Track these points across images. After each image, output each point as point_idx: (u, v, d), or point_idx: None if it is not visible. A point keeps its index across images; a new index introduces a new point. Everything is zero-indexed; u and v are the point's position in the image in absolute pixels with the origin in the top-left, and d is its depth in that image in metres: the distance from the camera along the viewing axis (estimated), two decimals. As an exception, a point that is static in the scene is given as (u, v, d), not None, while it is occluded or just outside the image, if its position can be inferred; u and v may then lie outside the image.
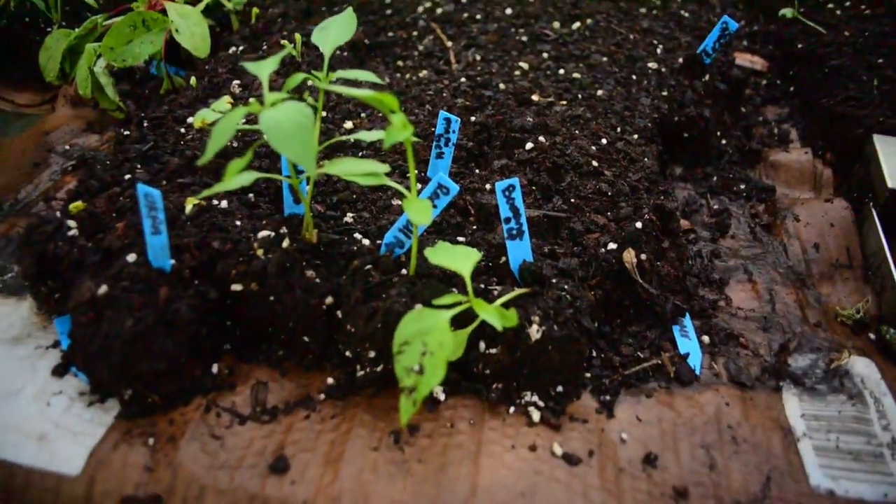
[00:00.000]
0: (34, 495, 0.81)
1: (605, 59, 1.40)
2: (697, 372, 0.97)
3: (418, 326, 0.76)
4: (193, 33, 1.42)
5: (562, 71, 1.36)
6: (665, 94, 1.34)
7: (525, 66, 1.37)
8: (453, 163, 1.12)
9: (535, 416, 0.88)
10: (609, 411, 0.91)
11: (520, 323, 0.86)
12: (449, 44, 1.45)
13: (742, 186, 1.33)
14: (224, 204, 1.01)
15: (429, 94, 1.26)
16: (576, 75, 1.34)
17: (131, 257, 0.91)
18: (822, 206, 1.23)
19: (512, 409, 0.89)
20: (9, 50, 1.59)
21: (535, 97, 1.26)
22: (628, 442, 0.87)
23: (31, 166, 1.33)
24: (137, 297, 0.86)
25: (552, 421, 0.88)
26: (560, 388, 0.91)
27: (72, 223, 0.99)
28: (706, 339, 1.03)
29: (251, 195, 1.05)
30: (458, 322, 0.84)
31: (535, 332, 0.86)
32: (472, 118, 1.19)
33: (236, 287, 0.92)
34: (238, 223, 0.97)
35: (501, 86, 1.29)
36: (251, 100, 0.79)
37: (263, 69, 0.82)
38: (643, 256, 1.01)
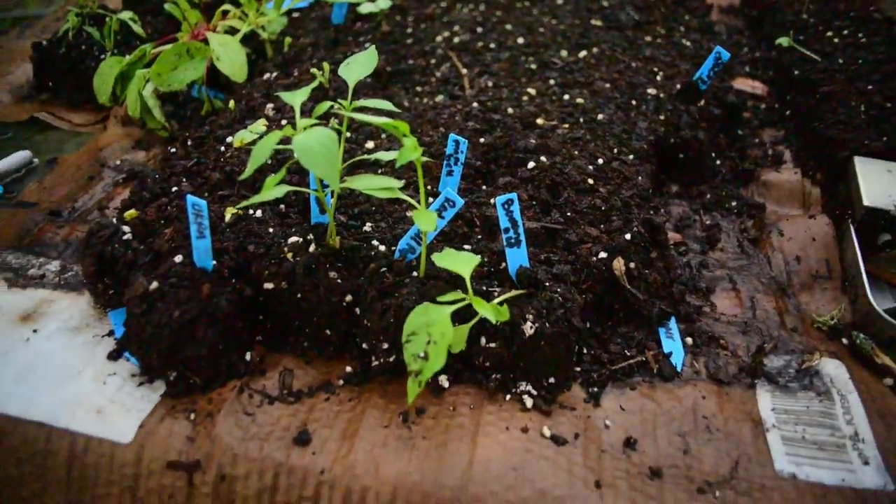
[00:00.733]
0: (92, 459, 0.95)
1: (607, 85, 1.52)
2: (679, 369, 1.08)
3: (424, 319, 0.88)
4: (232, 61, 1.57)
5: (566, 96, 1.48)
6: (662, 118, 1.45)
7: (533, 91, 1.49)
8: (463, 179, 1.24)
9: (529, 403, 0.99)
10: (596, 401, 1.01)
11: (515, 320, 0.98)
12: (464, 71, 1.58)
13: (734, 204, 1.44)
14: (259, 214, 1.14)
15: (443, 117, 1.39)
16: (579, 100, 1.46)
17: (178, 258, 1.04)
18: (805, 222, 1.33)
19: (508, 397, 1.00)
20: (67, 75, 1.76)
21: (539, 121, 1.38)
22: (611, 428, 0.98)
23: (86, 179, 1.48)
24: (183, 292, 1.00)
25: (543, 408, 0.99)
26: (552, 380, 1.02)
27: (126, 229, 1.13)
28: (689, 340, 1.13)
29: (282, 206, 1.18)
30: (461, 319, 0.96)
31: (528, 328, 0.97)
32: (482, 139, 1.32)
33: (268, 285, 1.05)
34: (271, 230, 1.10)
35: (510, 110, 1.42)
36: (284, 123, 0.93)
37: (296, 98, 0.96)
38: (632, 265, 1.12)
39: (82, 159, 1.54)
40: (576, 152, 1.28)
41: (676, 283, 1.20)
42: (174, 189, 1.20)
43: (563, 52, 1.66)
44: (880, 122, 1.47)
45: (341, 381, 1.03)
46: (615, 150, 1.31)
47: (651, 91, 1.52)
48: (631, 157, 1.31)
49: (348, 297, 1.03)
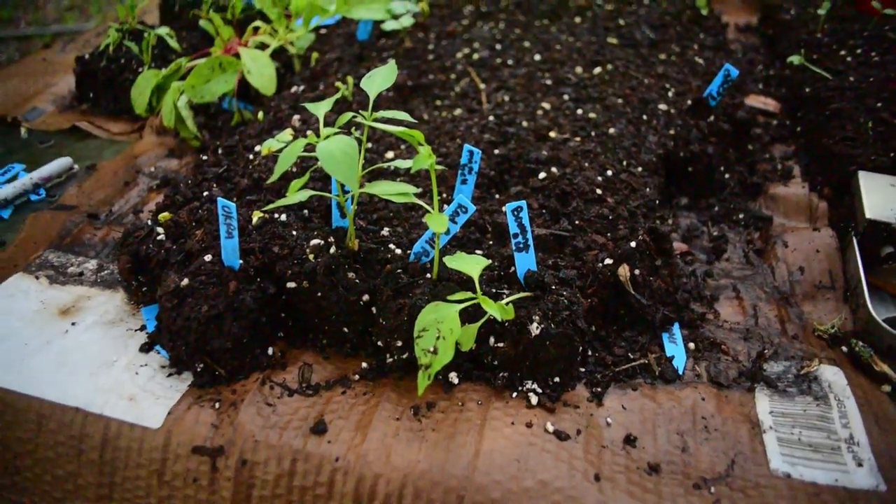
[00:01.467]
0: (124, 443, 1.02)
1: (619, 101, 1.58)
2: (680, 372, 1.12)
3: (434, 316, 0.94)
4: (262, 74, 1.65)
5: (580, 111, 1.54)
6: (672, 132, 1.50)
7: (547, 106, 1.55)
8: (477, 188, 1.30)
9: (534, 400, 1.04)
10: (599, 400, 1.06)
11: (522, 321, 1.03)
12: (482, 86, 1.65)
13: (741, 216, 1.48)
14: (283, 218, 1.21)
15: (460, 129, 1.45)
16: (592, 115, 1.52)
17: (207, 257, 1.11)
18: (809, 234, 1.37)
19: (514, 394, 1.05)
20: (107, 87, 1.86)
21: (552, 134, 1.44)
22: (612, 425, 1.03)
23: (122, 185, 1.57)
24: (212, 289, 1.07)
25: (548, 405, 1.04)
26: (557, 379, 1.07)
27: (160, 230, 1.21)
28: (692, 345, 1.18)
29: (305, 211, 1.25)
30: (470, 318, 1.01)
31: (535, 328, 1.02)
32: (496, 151, 1.38)
33: (291, 284, 1.11)
34: (294, 233, 1.17)
35: (524, 123, 1.48)
36: (309, 133, 1.00)
37: (320, 109, 1.03)
38: (637, 272, 1.17)
39: (119, 166, 1.63)
40: (586, 164, 1.33)
41: (681, 291, 1.25)
42: (205, 193, 1.28)
43: (578, 69, 1.72)
44: (887, 139, 1.51)
45: (357, 376, 1.09)
46: (624, 163, 1.37)
47: (662, 107, 1.57)
48: (639, 169, 1.36)
49: (365, 297, 1.09)
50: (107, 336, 1.16)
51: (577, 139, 1.42)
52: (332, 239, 1.14)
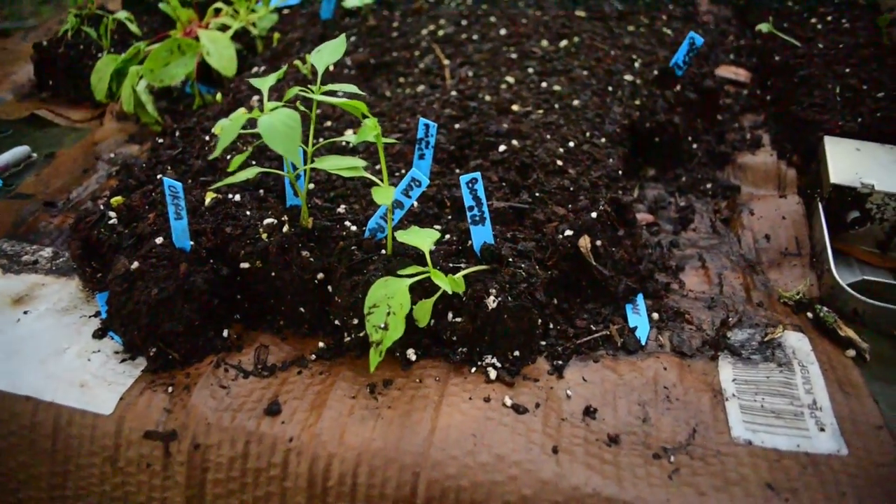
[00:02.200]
0: (76, 430, 0.99)
1: (585, 72, 1.55)
2: (643, 342, 1.11)
3: (384, 291, 0.92)
4: (222, 56, 1.62)
5: (544, 84, 1.51)
6: (637, 102, 1.48)
7: (511, 80, 1.53)
8: (437, 163, 1.28)
9: (493, 374, 1.02)
10: (559, 373, 1.04)
11: (479, 295, 1.01)
12: (445, 62, 1.62)
13: (709, 186, 1.46)
14: (237, 198, 1.18)
15: (421, 105, 1.43)
16: (556, 88, 1.49)
17: (159, 240, 1.09)
18: (776, 202, 1.35)
19: (473, 370, 1.04)
20: (66, 73, 1.82)
21: (515, 107, 1.41)
22: (572, 398, 1.01)
23: (81, 172, 1.54)
24: (162, 271, 1.04)
25: (507, 379, 1.02)
26: (516, 353, 1.05)
27: (112, 214, 1.18)
28: (656, 315, 1.16)
29: (261, 191, 1.22)
30: (427, 294, 1.00)
31: (491, 302, 1.01)
32: (457, 126, 1.35)
33: (244, 265, 1.09)
34: (248, 213, 1.15)
35: (487, 98, 1.45)
36: (255, 108, 0.97)
37: (265, 84, 1.01)
38: (598, 243, 1.15)
39: (78, 153, 1.60)
40: (548, 136, 1.31)
41: (645, 261, 1.23)
42: (159, 176, 1.25)
43: (544, 42, 1.69)
44: (855, 104, 1.49)
45: (314, 356, 1.07)
46: (587, 134, 1.35)
47: (628, 77, 1.55)
48: (603, 140, 1.34)
49: (320, 275, 1.07)
50: (59, 324, 1.14)
51: (540, 112, 1.40)
52: (285, 217, 1.11)
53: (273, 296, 1.10)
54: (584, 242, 1.14)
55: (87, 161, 1.58)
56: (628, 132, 1.42)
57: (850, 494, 0.90)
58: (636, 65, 1.61)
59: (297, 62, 1.43)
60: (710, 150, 1.54)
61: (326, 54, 1.08)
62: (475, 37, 1.74)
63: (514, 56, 1.63)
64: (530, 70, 1.57)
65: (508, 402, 0.99)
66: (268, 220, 1.11)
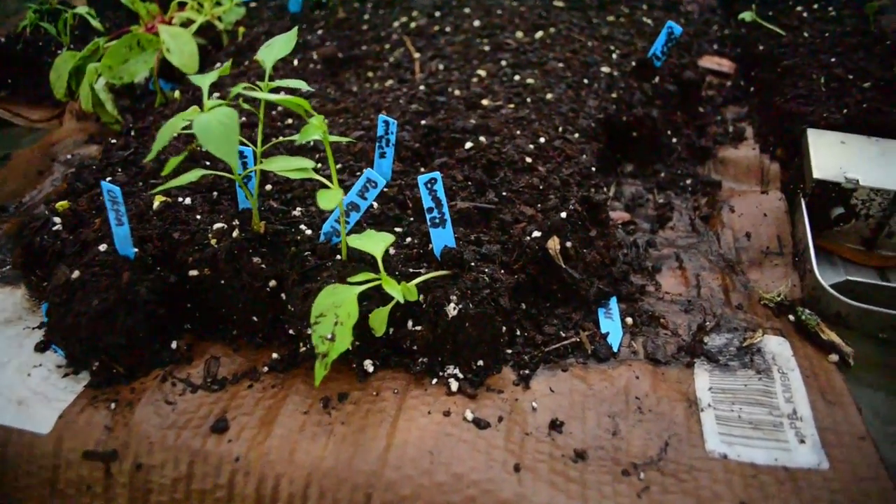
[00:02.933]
0: (12, 450, 0.94)
1: (560, 65, 1.49)
2: (615, 349, 1.05)
3: (332, 300, 0.87)
4: (182, 51, 1.55)
5: (517, 77, 1.45)
6: (614, 95, 1.42)
7: (483, 73, 1.47)
8: (401, 162, 1.22)
9: (454, 386, 0.97)
10: (525, 384, 0.99)
11: (439, 302, 0.95)
12: (416, 55, 1.56)
13: (689, 182, 1.40)
14: (188, 201, 1.12)
15: (387, 101, 1.36)
16: (529, 81, 1.43)
17: (102, 247, 1.03)
18: (757, 198, 1.30)
19: (435, 381, 0.98)
20: (25, 71, 1.76)
21: (485, 102, 1.35)
22: (538, 410, 0.96)
23: (36, 174, 1.48)
24: (104, 280, 0.98)
25: (469, 391, 0.96)
26: (480, 363, 0.99)
27: (57, 220, 1.12)
28: (630, 320, 1.10)
29: (215, 194, 1.16)
30: (383, 301, 0.94)
31: (452, 309, 0.95)
32: (423, 122, 1.29)
33: (193, 272, 1.03)
34: (199, 217, 1.09)
35: (457, 92, 1.39)
36: (194, 107, 0.91)
37: (205, 80, 0.94)
38: (568, 244, 1.09)
39: (34, 155, 1.54)
40: (518, 132, 1.25)
41: (619, 263, 1.18)
42: (108, 179, 1.19)
43: (519, 34, 1.63)
44: (841, 95, 1.43)
45: (266, 368, 1.01)
46: (560, 129, 1.28)
47: (605, 69, 1.49)
48: (576, 135, 1.28)
49: (272, 283, 1.01)
50: (1, 336, 1.08)
51: (511, 106, 1.34)
52: (236, 222, 1.05)
53: (225, 304, 1.05)
54: (553, 244, 1.08)
55: (44, 163, 1.51)
56: (604, 127, 1.36)
57: (829, 512, 0.84)
58: (614, 56, 1.55)
59: (258, 57, 1.36)
60: (690, 145, 1.48)
61: (276, 49, 1.02)
62: (448, 29, 1.68)
63: (487, 48, 1.57)
64: (503, 63, 1.51)
65: (470, 416, 0.93)
66: (218, 225, 1.05)
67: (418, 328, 0.98)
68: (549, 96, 1.38)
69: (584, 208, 1.13)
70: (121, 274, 0.99)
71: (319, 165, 0.95)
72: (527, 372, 1.00)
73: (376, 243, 0.91)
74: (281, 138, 1.11)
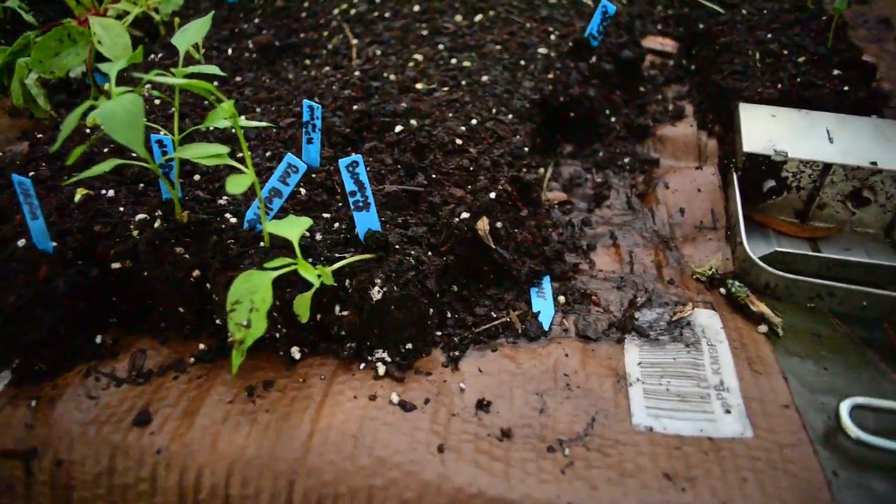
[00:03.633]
0: (-73, 454, 0.92)
1: (497, 47, 1.48)
2: (546, 328, 1.05)
3: (247, 286, 0.85)
4: (115, 44, 1.52)
5: (454, 60, 1.44)
6: (551, 76, 1.42)
7: (420, 57, 1.45)
8: (332, 147, 1.21)
9: (382, 370, 0.96)
10: (455, 365, 0.98)
11: (364, 285, 0.95)
12: (354, 41, 1.54)
13: (627, 160, 1.41)
14: (111, 193, 1.10)
15: (320, 87, 1.35)
16: (466, 64, 1.42)
17: (21, 242, 1.01)
18: (692, 174, 1.30)
19: (362, 366, 0.97)
20: (-44, 68, 1.71)
21: (419, 85, 1.34)
22: (466, 391, 0.95)
23: (-36, 172, 1.44)
24: (21, 276, 0.96)
25: (396, 374, 0.96)
26: (409, 346, 0.99)
27: (-23, 216, 1.09)
28: (562, 299, 1.10)
29: (141, 185, 1.14)
30: (306, 286, 0.93)
31: (376, 293, 0.94)
32: (355, 107, 1.28)
33: (115, 265, 1.01)
34: (122, 209, 1.07)
35: (392, 77, 1.38)
36: (101, 96, 0.89)
37: (113, 69, 0.92)
38: (498, 224, 1.09)
39: (-35, 153, 1.50)
40: (449, 114, 1.25)
41: (553, 242, 1.17)
42: (31, 174, 1.16)
43: (458, 18, 1.62)
44: (775, 70, 1.44)
45: (192, 360, 1.00)
46: (493, 111, 1.28)
47: (542, 51, 1.48)
48: (510, 116, 1.27)
49: (196, 272, 1.00)
50: (-80, 337, 1.05)
51: (445, 89, 1.33)
52: (159, 212, 1.04)
53: (150, 297, 1.03)
54: (482, 225, 1.07)
55: (-26, 160, 1.48)
56: (540, 107, 1.36)
57: (751, 479, 0.85)
58: (552, 37, 1.55)
59: (190, 48, 1.34)
60: (629, 124, 1.48)
61: (190, 33, 1.00)
62: (387, 14, 1.66)
63: (425, 33, 1.56)
64: (440, 46, 1.50)
65: (396, 399, 0.92)
66: (140, 216, 1.03)
67: (345, 313, 0.97)
68: (484, 78, 1.38)
69: (515, 188, 1.13)
70: (38, 269, 0.97)
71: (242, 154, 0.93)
72: (456, 353, 1.00)
73: (293, 228, 0.90)
74: (200, 126, 1.10)
